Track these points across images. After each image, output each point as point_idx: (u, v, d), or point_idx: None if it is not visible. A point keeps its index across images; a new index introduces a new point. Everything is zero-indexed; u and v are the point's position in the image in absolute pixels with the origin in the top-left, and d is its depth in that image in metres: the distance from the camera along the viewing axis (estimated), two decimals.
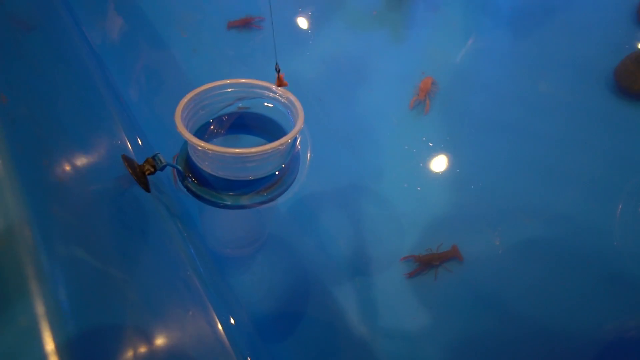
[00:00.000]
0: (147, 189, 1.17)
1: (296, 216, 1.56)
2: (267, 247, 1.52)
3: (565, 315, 1.32)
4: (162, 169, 1.18)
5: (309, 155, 1.50)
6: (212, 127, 1.39)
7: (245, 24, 1.92)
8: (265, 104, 1.39)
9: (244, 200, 1.27)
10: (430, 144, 1.66)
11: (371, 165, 1.65)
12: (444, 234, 1.52)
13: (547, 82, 1.79)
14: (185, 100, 1.25)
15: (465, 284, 1.42)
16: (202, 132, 1.38)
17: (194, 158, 1.26)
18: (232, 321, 1.23)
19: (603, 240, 1.40)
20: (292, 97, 1.30)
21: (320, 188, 1.60)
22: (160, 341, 0.98)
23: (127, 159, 1.13)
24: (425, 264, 1.39)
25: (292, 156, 1.32)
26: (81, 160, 0.96)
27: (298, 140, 1.33)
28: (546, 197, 1.51)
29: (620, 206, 1.44)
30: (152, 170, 1.16)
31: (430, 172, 1.62)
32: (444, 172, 1.61)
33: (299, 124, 1.22)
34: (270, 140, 1.33)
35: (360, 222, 1.56)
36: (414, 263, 1.40)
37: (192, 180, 1.29)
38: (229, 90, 1.34)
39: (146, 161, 1.16)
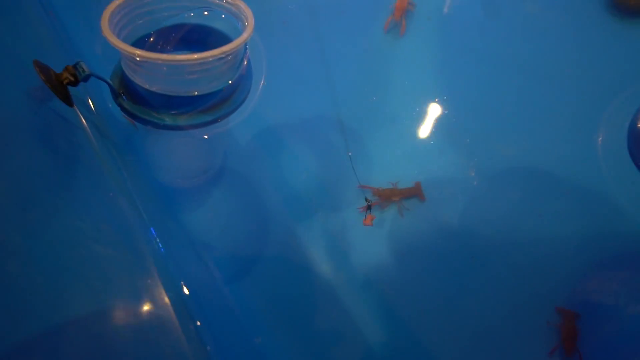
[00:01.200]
0: (69, 103, 1.01)
1: (254, 146, 1.42)
2: (223, 180, 1.39)
3: (541, 247, 1.23)
4: (86, 79, 1.02)
5: (263, 80, 1.34)
6: (152, 39, 1.22)
7: None
8: (209, 13, 1.21)
9: (185, 119, 1.12)
10: (405, 70, 1.51)
11: (339, 94, 1.50)
12: (414, 168, 1.40)
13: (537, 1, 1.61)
14: (116, 3, 1.07)
15: (434, 221, 1.32)
16: (139, 46, 1.21)
17: (126, 70, 1.09)
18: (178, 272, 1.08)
19: (587, 168, 1.29)
20: (242, 4, 1.13)
21: (281, 117, 1.45)
22: (89, 297, 0.85)
23: (40, 65, 0.96)
24: (384, 199, 1.27)
25: (241, 73, 1.16)
26: None
27: (247, 54, 1.17)
28: (528, 124, 1.38)
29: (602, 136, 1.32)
30: (73, 80, 0.99)
31: (403, 101, 1.48)
32: (418, 102, 1.47)
33: (248, 31, 1.06)
34: None
35: (325, 154, 1.43)
36: (372, 197, 1.29)
37: (126, 97, 1.13)
38: None
39: (65, 69, 0.99)
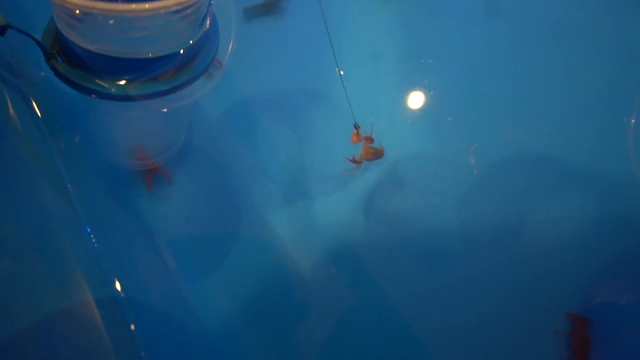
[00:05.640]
0: None
1: (223, 122, 1.23)
2: (186, 161, 1.19)
3: (549, 244, 1.08)
4: (3, 32, 0.80)
5: (232, 42, 1.13)
6: None
7: None
8: None
9: (135, 88, 0.91)
10: (398, 36, 1.32)
11: (322, 63, 1.30)
12: (406, 153, 1.23)
13: None
14: None
15: (427, 213, 1.16)
16: None
17: (58, 24, 0.87)
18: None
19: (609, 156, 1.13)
20: None
21: (256, 86, 1.26)
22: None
23: None
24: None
25: (205, 31, 0.95)
26: None
27: (212, 7, 0.96)
28: (538, 104, 1.21)
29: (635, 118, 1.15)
30: None
31: (395, 74, 1.30)
32: (411, 75, 1.29)
33: None
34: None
35: (305, 133, 1.25)
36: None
37: (61, 59, 0.91)
38: None
39: None
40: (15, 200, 0.76)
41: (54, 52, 0.92)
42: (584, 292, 1.04)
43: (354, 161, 1.13)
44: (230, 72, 1.16)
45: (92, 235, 0.82)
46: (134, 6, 0.79)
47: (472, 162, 1.19)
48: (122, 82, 0.91)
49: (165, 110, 1.10)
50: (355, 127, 1.10)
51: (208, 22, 0.94)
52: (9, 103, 0.85)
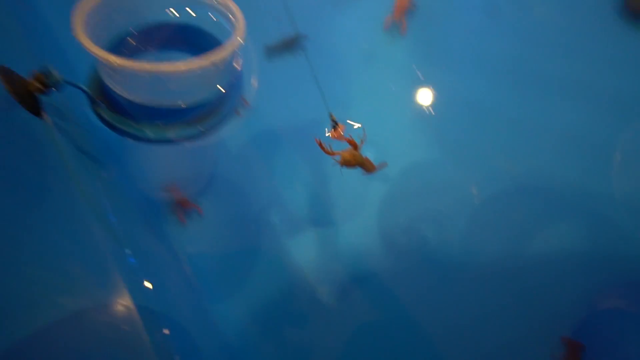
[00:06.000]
0: (37, 113, 0.90)
1: (246, 155, 1.33)
2: (213, 190, 1.30)
3: (545, 272, 1.16)
4: (57, 87, 0.91)
5: (254, 85, 1.23)
6: (133, 39, 1.11)
7: None
8: (199, 14, 1.10)
9: (170, 132, 1.02)
10: (407, 71, 1.41)
11: (337, 96, 1.40)
12: (414, 180, 1.32)
13: (544, 4, 1.52)
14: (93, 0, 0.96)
15: (431, 239, 1.24)
16: (120, 47, 1.10)
17: (105, 78, 0.99)
18: (150, 285, 0.99)
19: (597, 190, 1.22)
20: (233, 6, 1.03)
21: (276, 123, 1.36)
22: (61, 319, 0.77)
23: (5, 72, 0.86)
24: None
25: (231, 80, 1.06)
26: None
27: (240, 62, 1.07)
28: (537, 141, 1.30)
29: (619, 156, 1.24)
30: (42, 88, 0.89)
31: (406, 105, 1.39)
32: (421, 107, 1.38)
33: (238, 37, 0.96)
34: None
35: (321, 164, 1.34)
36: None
37: (104, 106, 1.02)
38: None
39: (33, 76, 0.89)
40: (63, 219, 0.88)
41: (98, 98, 1.03)
42: (578, 317, 1.12)
43: (327, 151, 0.98)
44: (252, 110, 1.26)
45: (132, 256, 0.93)
46: (171, 66, 0.90)
47: (474, 192, 1.28)
48: (158, 127, 1.02)
49: (193, 145, 1.21)
50: (332, 119, 1.02)
51: (235, 69, 1.05)
52: (59, 142, 0.96)
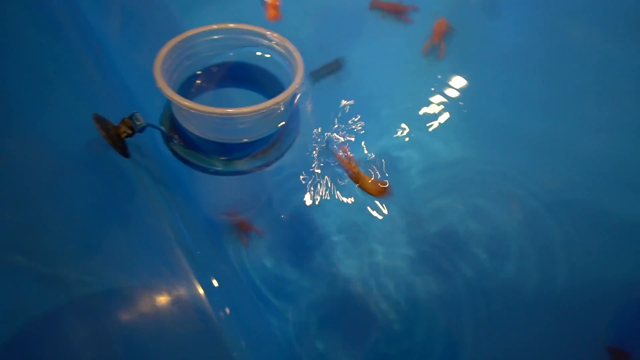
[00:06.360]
0: (126, 154, 1.02)
1: (298, 178, 1.43)
2: (270, 213, 1.40)
3: (589, 284, 1.22)
4: (142, 130, 1.03)
5: (309, 108, 1.33)
6: (199, 80, 1.22)
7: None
8: (259, 53, 1.21)
9: (237, 165, 1.13)
10: (445, 97, 1.49)
11: (380, 121, 1.49)
12: (452, 200, 1.39)
13: (579, 24, 1.57)
14: (165, 49, 1.08)
15: (469, 257, 1.31)
16: (188, 86, 1.22)
17: (178, 117, 1.10)
18: (228, 311, 1.10)
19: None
20: (291, 47, 1.13)
21: (322, 148, 1.45)
22: (142, 330, 0.89)
23: (99, 120, 0.98)
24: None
25: (291, 114, 1.16)
26: (43, 132, 0.81)
27: (297, 97, 1.17)
28: (579, 153, 1.35)
29: None
30: (130, 132, 1.01)
31: (449, 127, 1.47)
32: (457, 130, 1.46)
33: (298, 79, 1.05)
34: (266, 95, 1.18)
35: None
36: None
37: (178, 142, 1.14)
38: (217, 37, 1.16)
39: (122, 122, 1.01)
40: (154, 246, 1.00)
41: (172, 135, 1.15)
42: (624, 326, 1.17)
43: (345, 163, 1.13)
44: (307, 138, 1.36)
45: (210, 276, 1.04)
46: (240, 110, 1.00)
47: (515, 207, 1.34)
48: (226, 160, 1.13)
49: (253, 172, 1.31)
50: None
51: (294, 105, 1.15)
52: (142, 176, 1.09)
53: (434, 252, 1.32)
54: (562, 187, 1.33)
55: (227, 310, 1.04)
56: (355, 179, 1.21)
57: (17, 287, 0.79)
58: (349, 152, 1.26)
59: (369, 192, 1.23)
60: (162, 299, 0.94)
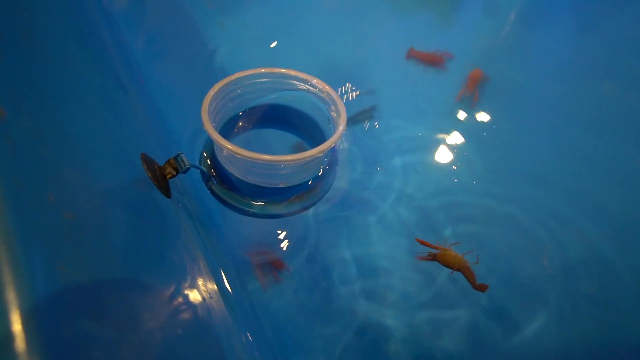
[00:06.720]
0: (168, 195, 1.04)
1: (331, 223, 1.43)
2: (297, 258, 1.39)
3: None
4: (185, 171, 1.05)
5: (346, 163, 1.34)
6: (240, 122, 1.25)
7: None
8: (301, 95, 1.24)
9: (274, 209, 1.14)
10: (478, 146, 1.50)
11: (413, 167, 1.49)
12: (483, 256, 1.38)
13: (613, 82, 1.58)
14: (212, 92, 1.11)
15: (498, 318, 1.29)
16: (230, 126, 1.24)
17: (219, 158, 1.12)
18: (250, 338, 1.11)
19: None
20: (334, 94, 1.15)
21: (357, 193, 1.46)
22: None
23: (147, 160, 1.00)
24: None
25: (329, 161, 1.18)
26: (94, 172, 0.83)
27: (337, 144, 1.18)
28: (616, 207, 1.34)
29: None
30: (174, 173, 1.03)
31: (476, 174, 1.46)
32: (492, 180, 1.45)
33: (341, 127, 1.07)
34: (301, 136, 1.19)
35: (401, 232, 1.42)
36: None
37: (217, 182, 1.16)
38: (263, 80, 1.19)
39: (168, 162, 1.02)
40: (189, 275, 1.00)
41: (212, 175, 1.17)
42: None
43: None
44: (341, 185, 1.36)
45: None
46: (284, 157, 1.01)
47: (546, 262, 1.32)
48: (262, 203, 1.14)
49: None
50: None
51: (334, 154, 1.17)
52: (181, 215, 1.10)
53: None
54: (598, 243, 1.31)
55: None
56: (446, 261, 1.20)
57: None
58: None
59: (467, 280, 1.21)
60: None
